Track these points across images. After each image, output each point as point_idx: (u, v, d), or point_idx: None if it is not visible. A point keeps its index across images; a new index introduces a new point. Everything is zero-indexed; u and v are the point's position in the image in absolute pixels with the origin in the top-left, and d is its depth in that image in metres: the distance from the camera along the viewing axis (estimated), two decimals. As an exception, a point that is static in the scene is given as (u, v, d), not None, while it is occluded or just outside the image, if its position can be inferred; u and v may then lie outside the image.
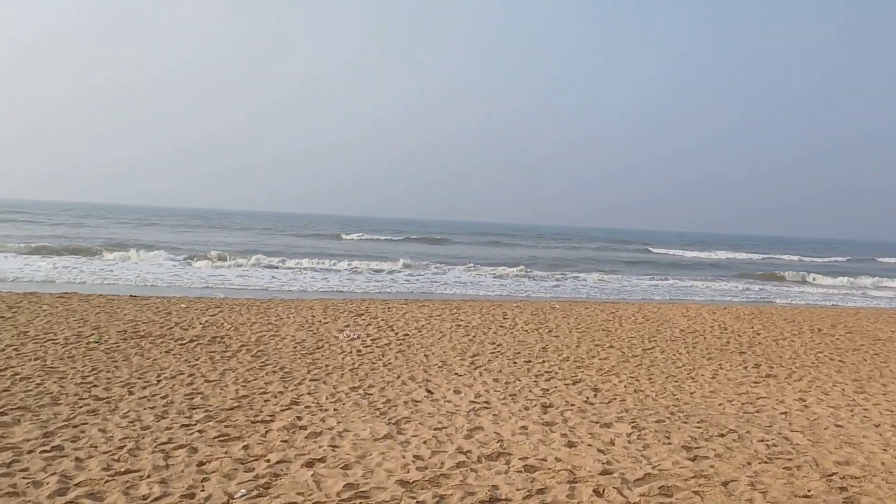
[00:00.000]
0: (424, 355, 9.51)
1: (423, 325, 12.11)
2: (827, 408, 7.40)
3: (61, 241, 27.84)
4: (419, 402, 6.95)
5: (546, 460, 5.01)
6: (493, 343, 10.72)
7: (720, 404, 7.40)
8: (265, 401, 6.70)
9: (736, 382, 8.62)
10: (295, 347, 9.58)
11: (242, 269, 23.91)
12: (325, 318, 12.37)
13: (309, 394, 7.09)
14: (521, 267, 28.50)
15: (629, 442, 5.64)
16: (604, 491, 4.36)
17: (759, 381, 8.80)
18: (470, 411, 6.60)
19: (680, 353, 10.57)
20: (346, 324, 11.90)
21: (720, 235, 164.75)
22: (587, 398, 7.44)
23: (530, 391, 7.65)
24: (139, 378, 7.41)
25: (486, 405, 6.89)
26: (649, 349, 10.84)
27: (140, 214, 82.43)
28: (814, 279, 32.77)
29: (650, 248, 60.19)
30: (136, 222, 59.48)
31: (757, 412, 7.08)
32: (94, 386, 6.98)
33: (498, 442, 5.51)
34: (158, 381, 7.34)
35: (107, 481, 4.28)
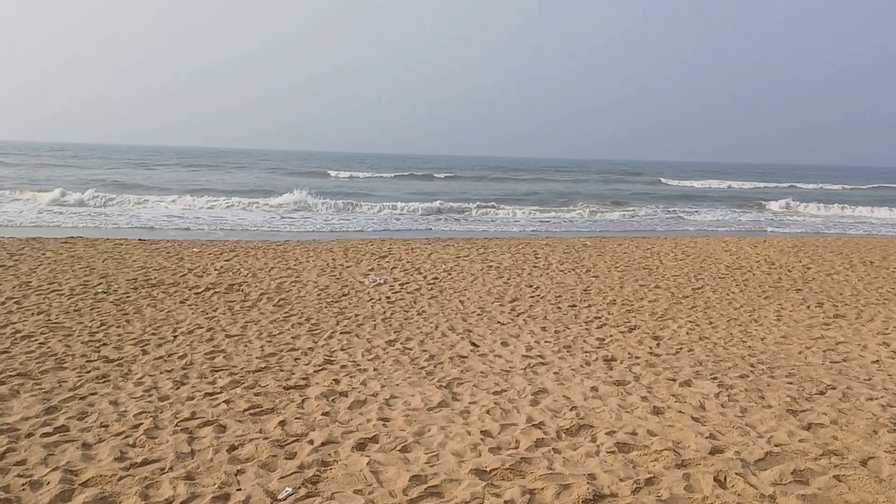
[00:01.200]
0: (460, 301, 8.72)
1: (451, 267, 11.29)
2: (920, 355, 6.60)
3: (61, 182, 26.95)
4: (465, 357, 6.18)
5: (637, 434, 4.22)
6: (531, 286, 9.90)
7: (800, 352, 6.61)
8: (295, 359, 5.95)
9: (805, 325, 7.83)
10: (319, 295, 8.80)
11: (228, 209, 23.20)
12: (346, 262, 11.56)
13: (342, 350, 6.33)
14: (538, 206, 27.44)
15: (722, 406, 4.85)
16: (726, 479, 3.56)
17: (829, 322, 8.00)
18: (526, 368, 5.83)
19: (733, 293, 9.75)
20: (370, 267, 11.09)
21: (741, 165, 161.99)
22: (650, 348, 6.67)
23: (585, 341, 6.88)
24: (153, 334, 6.67)
25: (541, 360, 6.12)
26: (699, 289, 10.02)
27: (130, 154, 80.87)
28: (851, 210, 31.32)
29: (662, 180, 58.73)
30: (128, 163, 58.11)
31: (845, 361, 6.29)
32: (104, 345, 6.25)
33: (571, 409, 4.73)
34: (174, 336, 6.61)
35: (121, 478, 3.48)
